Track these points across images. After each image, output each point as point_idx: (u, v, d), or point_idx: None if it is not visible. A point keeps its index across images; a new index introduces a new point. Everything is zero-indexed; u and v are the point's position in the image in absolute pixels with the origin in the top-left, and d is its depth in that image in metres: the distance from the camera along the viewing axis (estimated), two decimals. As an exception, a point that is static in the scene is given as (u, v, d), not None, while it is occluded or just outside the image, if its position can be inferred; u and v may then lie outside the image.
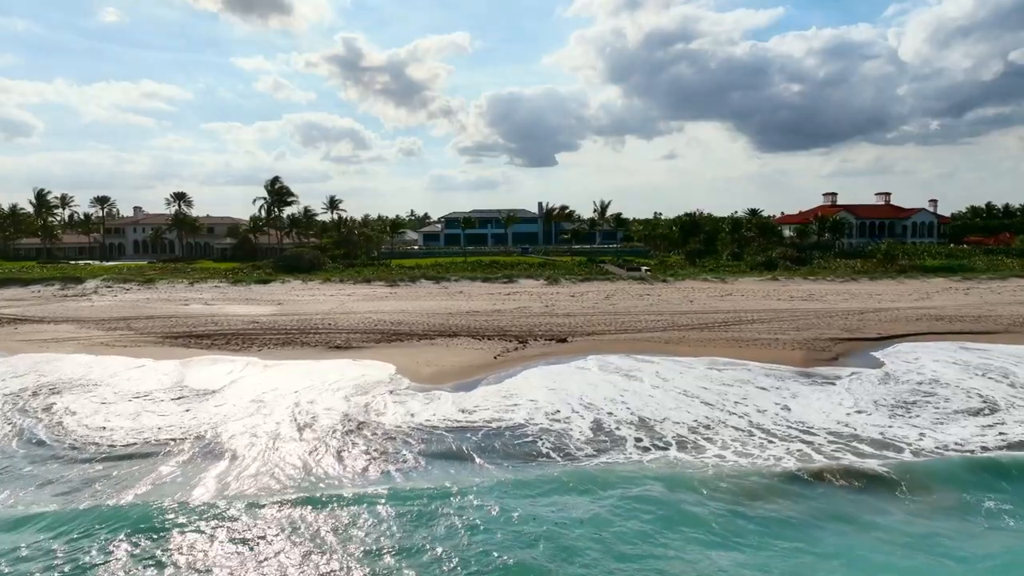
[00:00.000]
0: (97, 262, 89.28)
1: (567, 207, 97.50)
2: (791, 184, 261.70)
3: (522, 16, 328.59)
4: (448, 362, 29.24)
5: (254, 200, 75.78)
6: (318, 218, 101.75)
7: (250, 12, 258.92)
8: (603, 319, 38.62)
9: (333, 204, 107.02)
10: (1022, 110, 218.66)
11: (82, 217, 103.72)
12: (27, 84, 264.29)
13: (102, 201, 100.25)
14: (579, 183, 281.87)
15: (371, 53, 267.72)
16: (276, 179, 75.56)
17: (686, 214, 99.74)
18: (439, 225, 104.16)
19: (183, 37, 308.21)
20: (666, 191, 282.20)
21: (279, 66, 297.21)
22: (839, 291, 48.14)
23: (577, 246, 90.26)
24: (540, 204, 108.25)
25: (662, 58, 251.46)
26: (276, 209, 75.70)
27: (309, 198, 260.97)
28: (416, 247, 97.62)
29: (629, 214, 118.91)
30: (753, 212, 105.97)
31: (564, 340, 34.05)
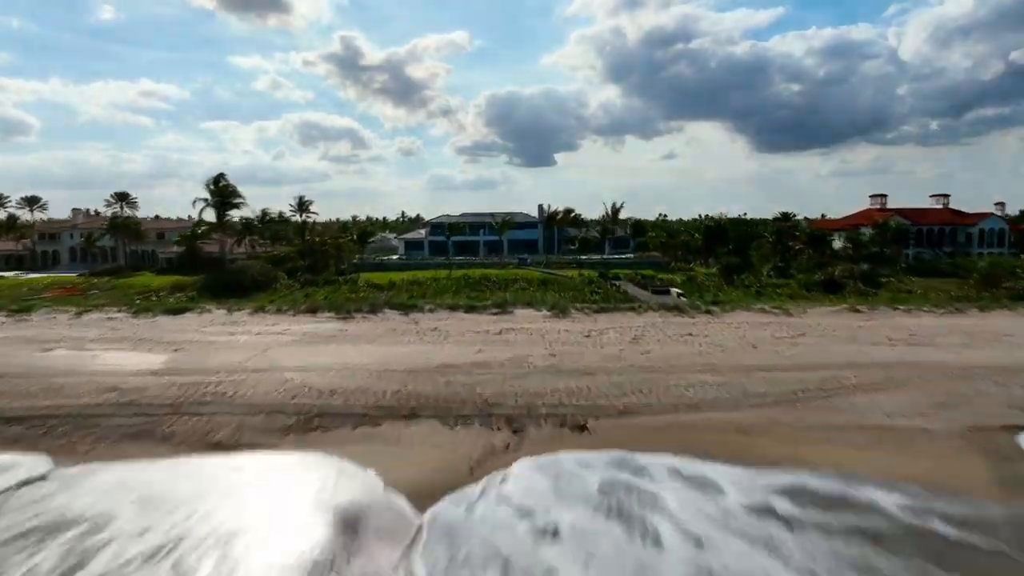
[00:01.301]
0: (25, 274, 77.12)
1: (572, 210, 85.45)
2: (791, 184, 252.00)
3: (522, 15, 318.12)
4: (389, 477, 17.38)
5: (194, 201, 63.52)
6: (293, 220, 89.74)
7: (247, 10, 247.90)
8: (636, 381, 26.50)
9: (302, 206, 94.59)
10: (1022, 110, 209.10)
11: (4, 219, 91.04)
12: (23, 82, 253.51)
13: (31, 202, 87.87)
14: (580, 184, 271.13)
15: (370, 52, 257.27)
16: (220, 177, 63.11)
17: (709, 218, 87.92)
18: (423, 231, 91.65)
19: (180, 35, 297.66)
20: (665, 192, 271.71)
21: (277, 65, 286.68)
22: (949, 328, 36.02)
23: (584, 256, 78.27)
24: (540, 207, 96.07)
25: (662, 57, 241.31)
26: (222, 213, 63.45)
27: (307, 198, 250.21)
28: (396, 257, 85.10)
29: (628, 215, 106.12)
30: (785, 216, 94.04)
31: (583, 427, 22.14)
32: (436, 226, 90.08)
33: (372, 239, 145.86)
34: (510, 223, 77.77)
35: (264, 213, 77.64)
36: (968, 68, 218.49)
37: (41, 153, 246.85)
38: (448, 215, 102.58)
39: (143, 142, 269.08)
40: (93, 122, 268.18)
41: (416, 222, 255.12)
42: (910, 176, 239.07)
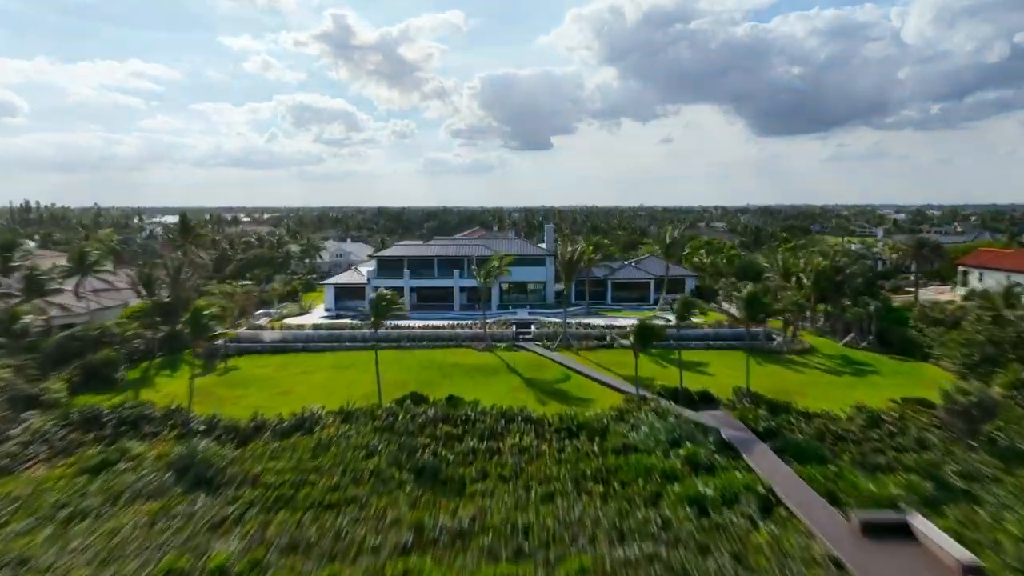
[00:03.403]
0: None
1: (600, 247, 55.98)
2: (790, 169, 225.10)
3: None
4: None
5: None
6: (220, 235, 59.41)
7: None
8: None
9: (185, 229, 63.81)
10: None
11: None
12: (7, 61, 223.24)
13: None
14: (577, 169, 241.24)
15: (362, 31, 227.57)
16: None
17: (822, 255, 58.51)
18: (366, 270, 60.14)
19: (168, 14, 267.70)
20: (662, 176, 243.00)
21: (268, 45, 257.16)
22: None
23: (624, 321, 48.22)
24: (550, 229, 66.02)
25: (660, 39, 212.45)
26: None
27: (301, 181, 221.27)
28: (312, 326, 53.46)
29: (627, 201, 75.88)
30: (921, 244, 64.53)
31: None
32: (385, 263, 59.32)
33: (322, 251, 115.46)
34: (502, 264, 47.33)
35: (83, 254, 46.97)
36: (971, 51, 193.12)
37: (31, 135, 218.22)
38: (407, 243, 72.64)
39: (134, 123, 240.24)
40: (83, 104, 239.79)
41: (399, 218, 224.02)
42: (907, 161, 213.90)
